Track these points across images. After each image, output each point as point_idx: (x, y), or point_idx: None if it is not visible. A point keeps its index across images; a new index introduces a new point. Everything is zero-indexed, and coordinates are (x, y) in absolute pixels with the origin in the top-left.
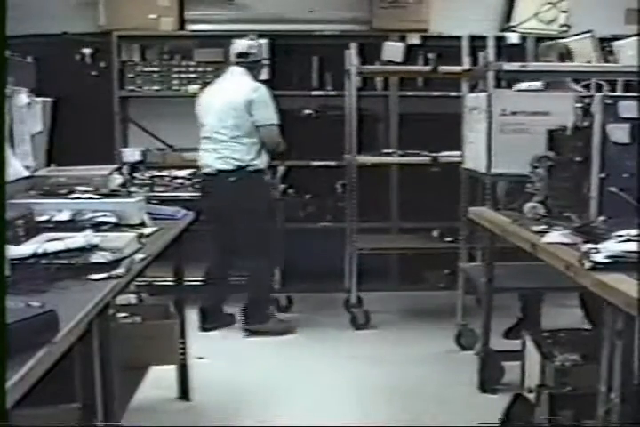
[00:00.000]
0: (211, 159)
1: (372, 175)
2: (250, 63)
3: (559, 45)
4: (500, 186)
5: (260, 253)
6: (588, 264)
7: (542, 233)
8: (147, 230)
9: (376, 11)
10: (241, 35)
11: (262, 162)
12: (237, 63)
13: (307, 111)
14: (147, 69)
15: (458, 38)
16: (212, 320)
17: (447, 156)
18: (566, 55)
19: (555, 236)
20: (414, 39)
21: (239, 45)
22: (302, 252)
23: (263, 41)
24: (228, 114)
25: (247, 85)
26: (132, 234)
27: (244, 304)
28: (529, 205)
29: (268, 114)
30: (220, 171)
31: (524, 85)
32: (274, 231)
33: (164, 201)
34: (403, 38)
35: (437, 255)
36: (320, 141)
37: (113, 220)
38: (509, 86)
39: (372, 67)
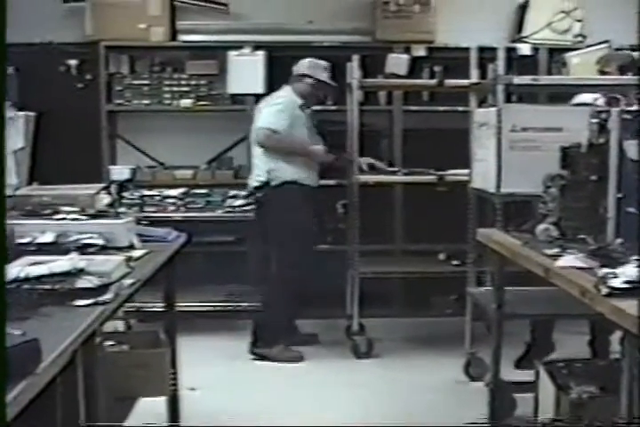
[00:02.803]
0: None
1: (374, 195)
2: (293, 77)
3: (622, 55)
4: (511, 206)
5: (279, 276)
6: (604, 290)
7: (555, 256)
8: (136, 253)
9: (379, 21)
10: (236, 46)
11: (288, 173)
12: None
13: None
14: (136, 82)
15: (465, 50)
16: (289, 338)
17: (454, 174)
18: (631, 67)
19: (569, 259)
20: (419, 51)
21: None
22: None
23: (260, 53)
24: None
25: (271, 98)
26: (120, 257)
27: (254, 326)
28: (541, 226)
29: (265, 118)
30: (253, 188)
31: (581, 98)
32: (302, 256)
33: (154, 222)
34: (407, 50)
35: (444, 279)
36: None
37: (100, 242)
38: (520, 100)
39: (375, 80)
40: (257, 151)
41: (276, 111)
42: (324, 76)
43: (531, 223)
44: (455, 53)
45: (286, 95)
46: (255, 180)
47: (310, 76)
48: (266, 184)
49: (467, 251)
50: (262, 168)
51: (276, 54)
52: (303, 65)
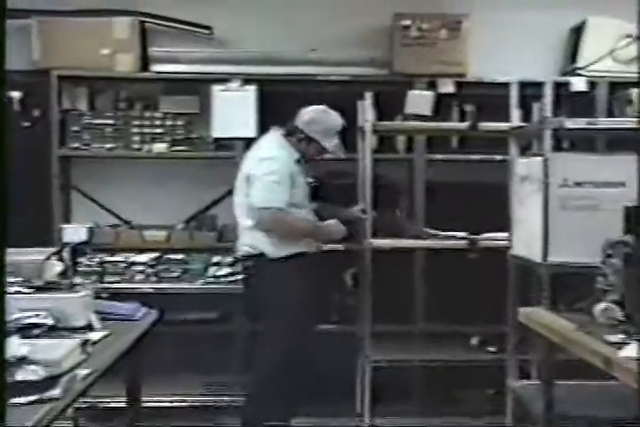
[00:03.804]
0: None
1: (391, 263)
2: (290, 125)
3: None
4: (561, 279)
5: (270, 364)
6: None
7: (619, 344)
8: (94, 336)
9: (398, 49)
10: (222, 79)
11: (285, 247)
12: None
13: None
14: (97, 121)
15: (504, 85)
16: None
17: (490, 238)
18: None
19: (635, 348)
20: (447, 86)
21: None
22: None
23: (251, 87)
24: (237, 188)
25: (260, 153)
26: (73, 341)
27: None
28: (600, 305)
29: (263, 194)
30: (241, 256)
31: None
32: (300, 339)
33: (117, 295)
34: (432, 85)
35: (477, 370)
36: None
37: (48, 322)
38: (573, 148)
39: (392, 123)
40: (245, 220)
41: (272, 183)
42: (328, 141)
43: (587, 301)
44: (491, 90)
45: (279, 146)
46: (244, 248)
47: (306, 136)
48: (251, 257)
49: (506, 335)
50: (253, 237)
51: (271, 89)
52: (303, 116)
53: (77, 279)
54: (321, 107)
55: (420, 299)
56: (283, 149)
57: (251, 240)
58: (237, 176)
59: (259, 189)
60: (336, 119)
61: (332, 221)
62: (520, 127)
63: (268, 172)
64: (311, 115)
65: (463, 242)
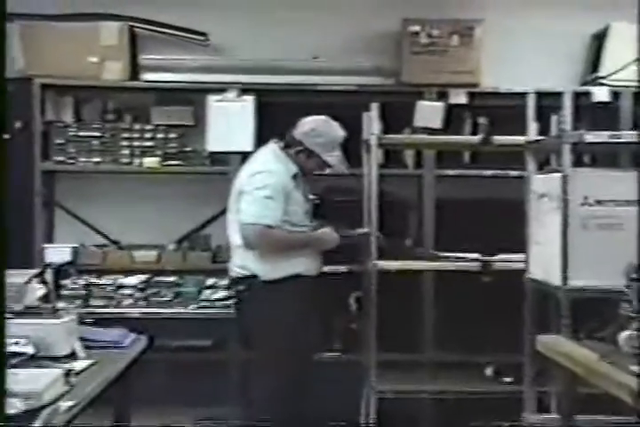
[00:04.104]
0: None
1: (398, 286)
2: (289, 136)
3: None
4: (582, 305)
5: (267, 395)
6: None
7: None
8: (78, 365)
9: (406, 57)
10: (218, 88)
11: (281, 268)
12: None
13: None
14: (83, 134)
15: (520, 96)
16: None
17: (504, 260)
18: None
19: None
20: (459, 97)
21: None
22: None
23: (249, 97)
24: (230, 205)
25: (254, 166)
26: (56, 371)
27: None
28: (625, 333)
29: (252, 209)
30: (233, 279)
31: None
32: (299, 368)
33: (104, 321)
34: (443, 96)
35: (492, 402)
36: None
37: (29, 350)
38: (594, 163)
39: (400, 136)
40: (237, 239)
41: (263, 198)
42: (329, 154)
43: (610, 329)
44: (506, 100)
45: (275, 159)
46: (236, 270)
47: (306, 149)
48: (244, 278)
49: (522, 364)
50: (244, 257)
51: (270, 100)
52: (302, 127)
53: (60, 304)
54: (322, 117)
55: (430, 325)
56: (279, 162)
57: (242, 261)
58: (231, 192)
59: (248, 204)
60: (338, 130)
61: (324, 229)
62: (537, 141)
63: (260, 186)
64: (311, 125)
65: (476, 264)
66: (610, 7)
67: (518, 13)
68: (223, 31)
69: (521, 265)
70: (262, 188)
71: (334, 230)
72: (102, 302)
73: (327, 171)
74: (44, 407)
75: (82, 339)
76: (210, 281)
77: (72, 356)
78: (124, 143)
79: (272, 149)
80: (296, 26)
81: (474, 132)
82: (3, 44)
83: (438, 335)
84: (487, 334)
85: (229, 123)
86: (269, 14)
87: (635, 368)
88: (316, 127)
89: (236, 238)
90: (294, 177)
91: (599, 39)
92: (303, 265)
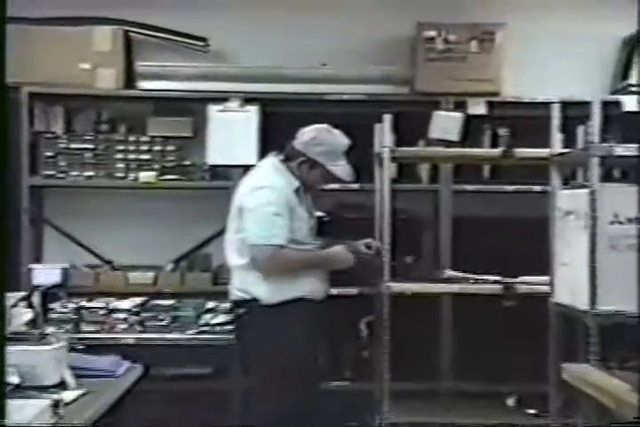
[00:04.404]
0: None
1: (412, 310)
2: (289, 148)
3: None
4: (612, 331)
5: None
6: None
7: None
8: (68, 395)
9: (421, 64)
10: (219, 98)
11: (285, 290)
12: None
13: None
14: (74, 146)
15: (544, 106)
16: None
17: (527, 283)
18: None
19: None
20: (478, 107)
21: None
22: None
23: (252, 108)
24: (229, 223)
25: (253, 181)
26: (43, 402)
27: None
28: None
29: (259, 228)
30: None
31: None
32: (303, 398)
33: (96, 347)
34: (460, 106)
35: None
36: None
37: (14, 379)
38: (624, 178)
39: (415, 149)
40: (236, 259)
41: (270, 216)
42: (334, 164)
43: None
44: (529, 110)
45: (275, 173)
46: (235, 293)
47: (308, 159)
48: (245, 302)
49: (547, 395)
50: (244, 279)
51: (275, 110)
52: (302, 136)
53: (49, 329)
54: (323, 125)
55: (447, 352)
56: (280, 176)
57: (241, 283)
58: (230, 209)
59: (254, 223)
60: (341, 138)
61: (336, 248)
62: (562, 154)
63: (264, 202)
64: (311, 134)
65: (497, 287)
66: None
67: (542, 16)
68: (224, 36)
69: (545, 288)
70: (267, 204)
71: (346, 249)
72: (94, 327)
73: (332, 184)
74: None
75: (72, 367)
76: (210, 304)
77: (61, 385)
78: (119, 156)
79: (271, 161)
80: (302, 30)
81: (494, 145)
82: (3, 47)
83: (456, 363)
84: (509, 361)
85: (231, 134)
86: (274, 18)
87: None
88: (317, 136)
89: (233, 258)
90: (296, 191)
91: (631, 43)
92: (309, 287)
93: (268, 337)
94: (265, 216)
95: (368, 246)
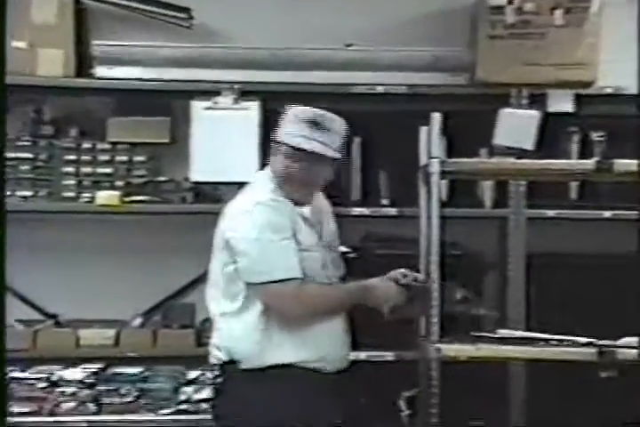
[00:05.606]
0: None
1: (469, 381)
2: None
3: None
4: None
5: None
6: None
7: None
8: None
9: (483, 44)
10: (206, 90)
11: (285, 348)
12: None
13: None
14: (10, 155)
15: None
16: None
17: (629, 346)
18: None
19: None
20: (562, 103)
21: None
22: None
23: (253, 104)
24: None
25: (246, 199)
26: None
27: None
28: None
29: (267, 260)
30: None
31: None
32: None
33: None
34: (538, 101)
35: None
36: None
37: None
38: None
39: (473, 160)
40: (224, 304)
41: (279, 241)
42: (289, 133)
43: None
44: (632, 108)
45: (272, 187)
46: (213, 352)
47: (283, 145)
48: (228, 364)
49: None
50: (225, 332)
51: (281, 106)
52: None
53: None
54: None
55: None
56: (280, 190)
57: (221, 338)
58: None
59: (260, 254)
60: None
61: (375, 279)
62: None
63: (263, 223)
64: (291, 113)
65: (588, 351)
66: None
67: None
68: (214, 8)
69: None
70: (269, 226)
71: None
72: (30, 406)
73: (305, 166)
74: None
75: None
76: (192, 374)
77: None
78: (67, 169)
79: (266, 173)
80: (319, 2)
81: (583, 154)
82: (3, 41)
83: None
84: None
85: (223, 140)
86: None
87: None
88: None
89: (221, 304)
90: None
91: None
92: (318, 351)
93: (251, 416)
94: (272, 243)
95: (404, 277)
